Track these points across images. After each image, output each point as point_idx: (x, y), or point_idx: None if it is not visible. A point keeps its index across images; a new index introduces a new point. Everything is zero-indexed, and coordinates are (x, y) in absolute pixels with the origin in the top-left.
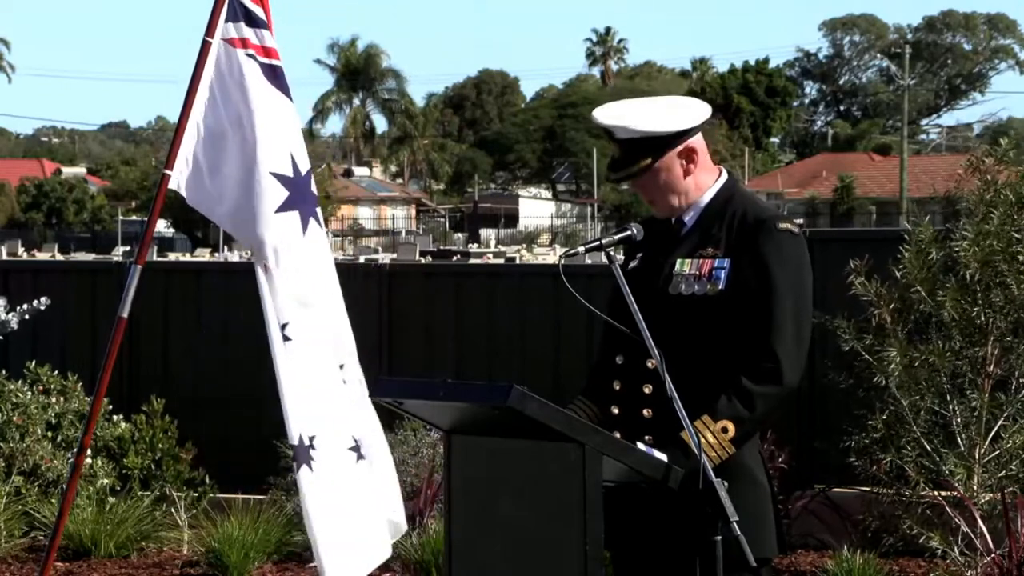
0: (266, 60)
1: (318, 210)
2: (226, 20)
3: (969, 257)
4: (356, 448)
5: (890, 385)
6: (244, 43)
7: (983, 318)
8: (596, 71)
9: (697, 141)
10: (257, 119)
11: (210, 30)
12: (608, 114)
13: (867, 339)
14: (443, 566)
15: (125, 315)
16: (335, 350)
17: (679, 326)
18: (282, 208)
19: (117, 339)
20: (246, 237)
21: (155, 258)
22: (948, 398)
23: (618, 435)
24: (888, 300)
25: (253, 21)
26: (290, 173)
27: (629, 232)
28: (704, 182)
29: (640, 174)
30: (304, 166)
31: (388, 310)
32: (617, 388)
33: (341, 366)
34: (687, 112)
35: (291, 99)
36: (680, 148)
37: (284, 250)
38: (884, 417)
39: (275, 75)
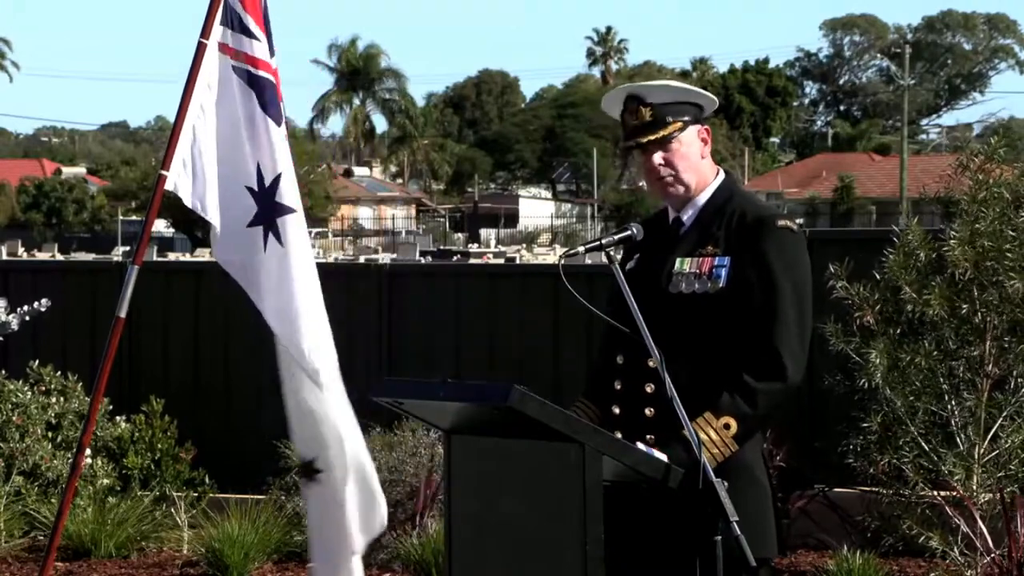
0: (250, 69)
1: (287, 219)
2: (221, 23)
3: (958, 256)
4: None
5: (877, 386)
6: (231, 52)
7: (979, 317)
8: (596, 71)
9: (708, 130)
10: (243, 131)
11: (205, 32)
12: (639, 83)
13: (854, 341)
14: (443, 566)
15: (123, 315)
16: (305, 362)
17: (680, 325)
18: (252, 223)
19: (115, 339)
20: (218, 252)
21: (155, 258)
22: (946, 398)
23: (619, 435)
24: (873, 303)
25: (246, 30)
26: (255, 186)
27: (629, 232)
28: (706, 177)
29: (671, 137)
30: (270, 174)
31: (388, 310)
32: (618, 388)
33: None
34: (705, 94)
35: (276, 113)
36: (700, 127)
37: (247, 266)
38: (880, 419)
39: (259, 87)
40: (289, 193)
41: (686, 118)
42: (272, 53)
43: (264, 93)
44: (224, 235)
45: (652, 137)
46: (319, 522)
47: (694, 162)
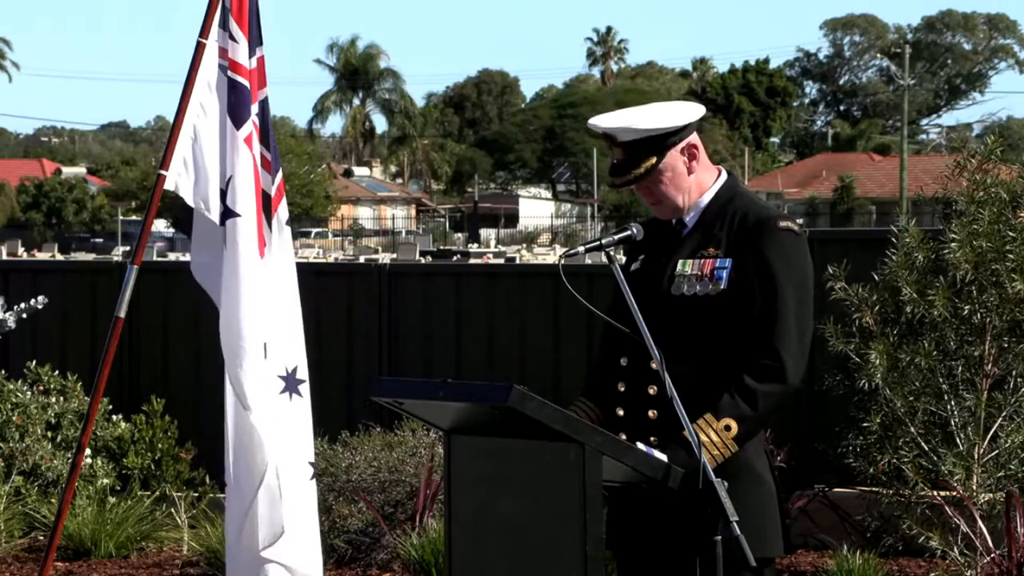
0: (227, 68)
1: (235, 222)
2: (219, 24)
3: (959, 258)
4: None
5: (877, 387)
6: (219, 49)
7: (978, 318)
8: (596, 71)
9: (696, 139)
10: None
11: (204, 31)
12: (608, 119)
13: (853, 342)
14: (443, 566)
15: (122, 315)
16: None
17: (682, 327)
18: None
19: (114, 339)
20: (194, 256)
21: (155, 258)
22: (946, 398)
23: (623, 436)
24: (872, 303)
25: (232, 33)
26: (223, 185)
27: (629, 232)
28: (705, 181)
29: (646, 175)
30: (225, 176)
31: (388, 310)
32: (622, 389)
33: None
34: (683, 110)
35: (239, 117)
36: (682, 145)
37: (211, 266)
38: (879, 419)
39: (230, 87)
40: (238, 197)
41: (663, 147)
42: (252, 53)
43: (232, 94)
44: (202, 236)
45: (626, 178)
46: (230, 530)
47: (681, 182)
